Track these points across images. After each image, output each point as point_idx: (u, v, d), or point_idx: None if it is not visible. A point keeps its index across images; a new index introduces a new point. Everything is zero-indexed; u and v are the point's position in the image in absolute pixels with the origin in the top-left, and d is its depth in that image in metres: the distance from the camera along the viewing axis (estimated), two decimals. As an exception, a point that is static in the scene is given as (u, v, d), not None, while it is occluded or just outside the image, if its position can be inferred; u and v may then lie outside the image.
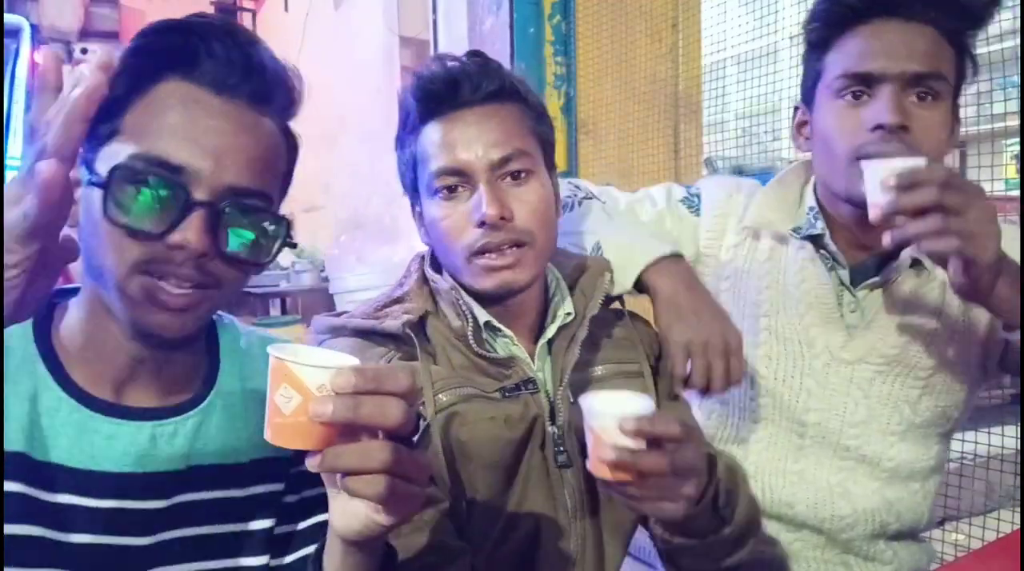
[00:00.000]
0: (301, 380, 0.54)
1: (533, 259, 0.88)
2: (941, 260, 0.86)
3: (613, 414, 0.70)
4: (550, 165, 0.93)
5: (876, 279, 1.04)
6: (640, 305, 1.06)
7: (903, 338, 1.04)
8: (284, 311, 4.37)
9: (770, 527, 1.10)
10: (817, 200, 1.09)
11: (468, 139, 0.85)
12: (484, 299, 0.90)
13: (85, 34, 6.27)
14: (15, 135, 3.43)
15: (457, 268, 0.89)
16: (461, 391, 0.86)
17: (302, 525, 0.79)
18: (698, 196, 1.20)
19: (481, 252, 0.85)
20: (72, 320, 0.71)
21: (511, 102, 0.89)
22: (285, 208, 0.73)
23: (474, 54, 0.91)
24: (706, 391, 0.94)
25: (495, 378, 0.89)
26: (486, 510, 0.88)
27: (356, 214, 4.34)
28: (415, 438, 0.59)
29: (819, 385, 1.07)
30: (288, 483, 0.79)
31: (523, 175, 0.87)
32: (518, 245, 0.86)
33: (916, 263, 1.02)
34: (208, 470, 0.73)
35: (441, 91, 0.87)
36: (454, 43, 3.31)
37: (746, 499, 0.87)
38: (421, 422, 0.59)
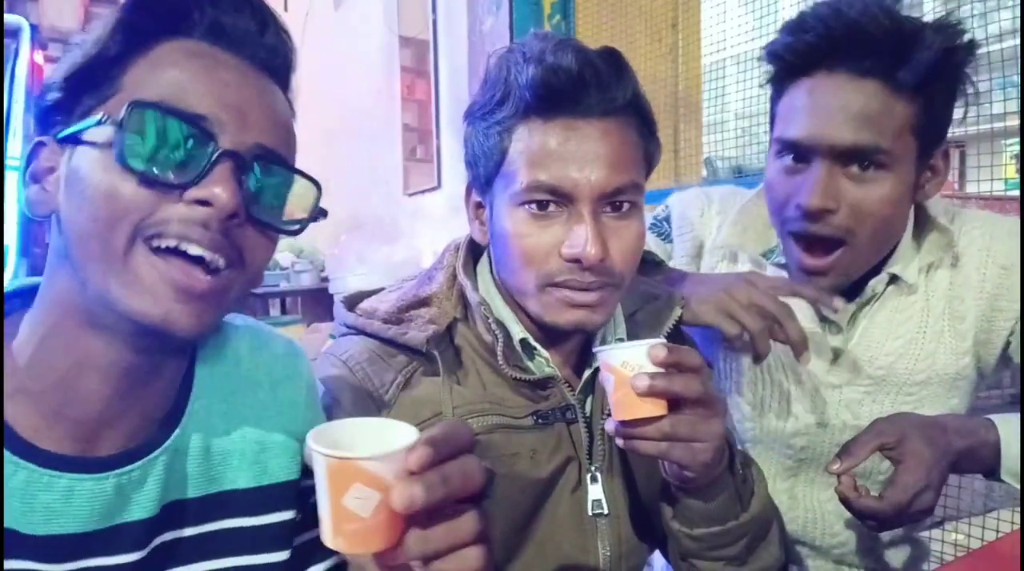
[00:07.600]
0: (376, 475, 0.47)
1: (614, 302, 0.79)
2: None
3: (639, 347, 0.67)
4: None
5: (857, 300, 1.00)
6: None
7: (890, 357, 1.00)
8: (284, 311, 4.37)
9: None
10: None
11: (581, 158, 0.72)
12: (528, 316, 0.81)
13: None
14: (15, 135, 3.42)
15: (524, 292, 0.78)
16: (485, 420, 0.78)
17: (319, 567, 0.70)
18: (667, 219, 1.16)
19: (560, 285, 0.75)
20: (25, 343, 0.57)
21: (632, 118, 0.77)
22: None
23: (610, 54, 0.76)
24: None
25: (530, 399, 0.81)
26: (505, 550, 0.81)
27: (356, 214, 4.33)
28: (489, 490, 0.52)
29: (806, 411, 1.04)
30: (303, 514, 0.69)
31: (626, 208, 0.76)
32: (605, 286, 0.75)
33: (895, 279, 0.99)
34: (192, 504, 0.63)
35: (564, 89, 0.73)
36: (454, 43, 3.31)
37: (762, 486, 0.82)
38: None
